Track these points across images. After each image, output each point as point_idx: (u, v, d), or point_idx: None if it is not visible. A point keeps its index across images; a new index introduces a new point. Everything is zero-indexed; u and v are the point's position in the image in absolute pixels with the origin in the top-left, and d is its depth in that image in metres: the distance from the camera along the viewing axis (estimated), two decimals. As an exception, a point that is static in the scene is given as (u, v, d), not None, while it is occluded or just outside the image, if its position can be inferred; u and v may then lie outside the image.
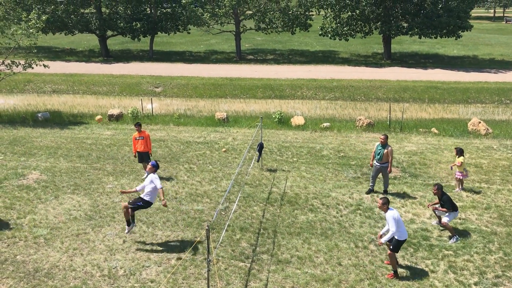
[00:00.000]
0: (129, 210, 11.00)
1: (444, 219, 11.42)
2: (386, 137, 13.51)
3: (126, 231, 11.22)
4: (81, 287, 9.60)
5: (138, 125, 14.93)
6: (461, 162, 13.78)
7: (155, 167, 11.23)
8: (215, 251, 10.70)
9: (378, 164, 13.66)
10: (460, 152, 13.94)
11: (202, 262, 10.45)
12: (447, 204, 11.38)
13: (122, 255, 10.74)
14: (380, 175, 13.94)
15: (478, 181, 15.07)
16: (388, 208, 9.89)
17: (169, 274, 10.03)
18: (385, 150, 13.46)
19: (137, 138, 14.89)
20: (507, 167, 16.35)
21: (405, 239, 9.96)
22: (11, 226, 12.01)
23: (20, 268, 10.26)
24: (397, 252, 10.12)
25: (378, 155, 13.54)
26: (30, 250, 10.94)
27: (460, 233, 11.73)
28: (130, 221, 11.16)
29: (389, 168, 13.56)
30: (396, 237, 9.93)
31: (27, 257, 10.67)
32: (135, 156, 15.20)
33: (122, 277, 9.95)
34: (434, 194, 11.59)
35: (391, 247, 10.05)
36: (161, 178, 15.22)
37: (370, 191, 14.08)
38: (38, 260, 10.53)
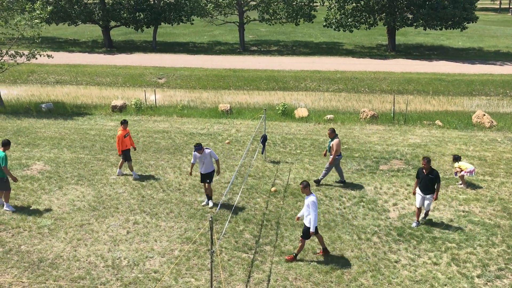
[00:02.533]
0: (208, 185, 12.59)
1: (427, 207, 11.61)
2: (332, 131, 13.47)
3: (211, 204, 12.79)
4: (85, 277, 9.66)
5: (126, 123, 14.31)
6: (459, 167, 13.78)
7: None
8: (218, 242, 10.73)
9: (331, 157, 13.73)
10: (456, 159, 13.92)
11: (205, 253, 10.49)
12: (438, 178, 11.27)
13: (125, 246, 10.79)
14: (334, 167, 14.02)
15: (482, 173, 15.03)
16: (310, 192, 9.95)
17: (172, 265, 10.07)
18: (332, 143, 13.45)
19: (126, 135, 14.25)
20: (511, 159, 16.29)
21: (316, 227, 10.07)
22: (15, 216, 12.07)
23: (25, 258, 10.33)
24: (308, 239, 10.19)
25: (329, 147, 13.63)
26: (34, 240, 11.00)
27: (463, 226, 11.73)
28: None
29: (330, 161, 13.56)
30: (306, 224, 10.00)
31: (31, 247, 10.74)
32: (120, 155, 14.32)
33: (125, 268, 10.01)
34: (423, 167, 11.30)
35: (302, 235, 10.14)
36: (164, 169, 15.25)
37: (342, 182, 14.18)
38: (43, 250, 10.59)
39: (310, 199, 9.83)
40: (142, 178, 14.57)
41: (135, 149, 14.96)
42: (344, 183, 14.09)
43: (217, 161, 12.52)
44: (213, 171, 12.58)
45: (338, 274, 9.81)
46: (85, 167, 15.45)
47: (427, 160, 11.25)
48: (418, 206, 11.67)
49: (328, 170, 13.82)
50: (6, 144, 12.28)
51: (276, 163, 16.00)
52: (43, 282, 9.52)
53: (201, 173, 12.57)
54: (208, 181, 12.53)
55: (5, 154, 12.11)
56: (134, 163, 15.79)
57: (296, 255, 10.26)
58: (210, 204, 12.72)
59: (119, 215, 12.22)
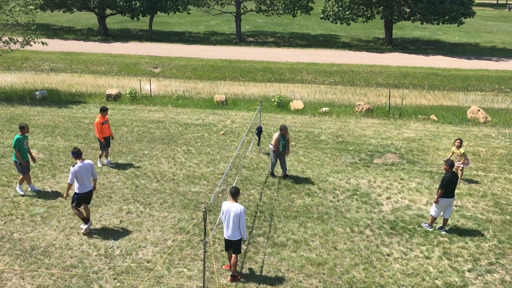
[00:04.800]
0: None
1: (432, 212, 11.24)
2: (286, 128, 13.84)
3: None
4: (77, 266, 9.65)
5: (105, 110, 14.35)
6: (462, 152, 13.73)
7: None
8: (211, 232, 10.74)
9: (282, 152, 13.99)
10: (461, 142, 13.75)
11: (198, 244, 10.49)
12: (442, 182, 10.84)
13: (118, 235, 10.77)
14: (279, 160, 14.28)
15: (476, 169, 15.10)
16: (236, 201, 9.07)
17: (165, 255, 10.08)
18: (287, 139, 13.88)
19: (104, 123, 14.28)
20: (504, 155, 16.37)
21: (228, 240, 9.15)
22: (8, 204, 12.02)
23: (17, 245, 10.29)
24: (234, 253, 9.31)
25: (283, 146, 13.80)
26: (27, 228, 10.96)
27: (455, 220, 11.80)
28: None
29: (287, 151, 14.00)
30: (225, 237, 9.16)
31: (24, 235, 10.70)
32: (103, 143, 14.29)
33: (118, 257, 10.00)
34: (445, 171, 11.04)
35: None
36: (159, 159, 15.20)
37: (273, 174, 14.25)
38: (35, 238, 10.56)
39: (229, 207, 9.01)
40: (135, 168, 14.51)
41: (112, 138, 14.76)
42: (273, 176, 14.18)
43: (94, 180, 10.88)
44: (91, 190, 10.79)
45: (330, 266, 9.85)
46: (79, 155, 15.36)
47: (446, 163, 10.99)
48: None
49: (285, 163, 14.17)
50: (23, 128, 12.51)
51: (271, 155, 15.98)
52: (35, 270, 9.50)
53: (76, 193, 10.54)
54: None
55: (21, 137, 12.39)
56: (128, 152, 15.74)
57: (233, 274, 9.42)
58: (84, 226, 10.80)
59: (112, 204, 12.19)
